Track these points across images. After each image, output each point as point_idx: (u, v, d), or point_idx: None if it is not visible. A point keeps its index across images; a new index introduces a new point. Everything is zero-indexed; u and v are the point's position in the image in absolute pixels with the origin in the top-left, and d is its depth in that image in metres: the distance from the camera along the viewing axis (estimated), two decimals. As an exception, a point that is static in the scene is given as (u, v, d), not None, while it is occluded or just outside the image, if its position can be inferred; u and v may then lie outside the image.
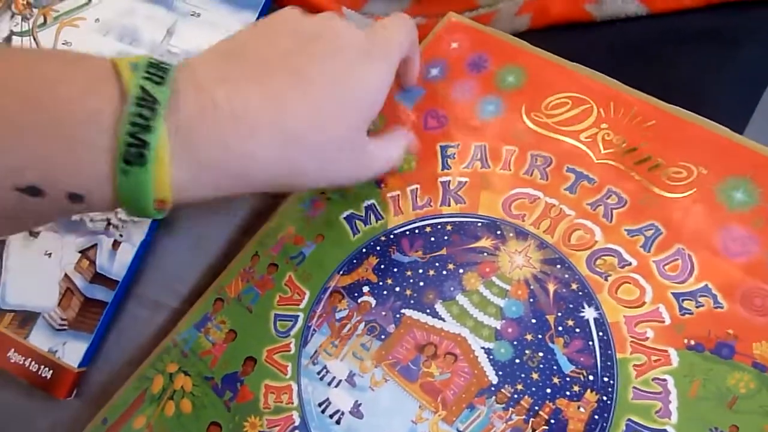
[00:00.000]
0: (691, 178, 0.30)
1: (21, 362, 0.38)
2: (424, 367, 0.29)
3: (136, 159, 0.21)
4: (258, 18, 0.41)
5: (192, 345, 0.35)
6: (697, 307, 0.28)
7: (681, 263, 0.28)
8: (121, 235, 0.39)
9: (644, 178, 0.31)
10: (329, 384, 0.30)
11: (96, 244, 0.39)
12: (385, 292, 0.32)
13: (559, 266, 0.30)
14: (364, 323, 0.31)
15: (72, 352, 0.38)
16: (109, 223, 0.39)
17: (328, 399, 0.30)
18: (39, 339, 0.38)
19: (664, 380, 0.27)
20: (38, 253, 0.40)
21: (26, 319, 0.39)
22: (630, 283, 0.29)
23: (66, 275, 0.39)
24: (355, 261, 0.33)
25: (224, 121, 0.24)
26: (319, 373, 0.31)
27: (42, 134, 0.20)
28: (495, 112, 0.34)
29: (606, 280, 0.29)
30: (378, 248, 0.33)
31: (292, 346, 0.32)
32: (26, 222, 0.24)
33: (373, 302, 0.32)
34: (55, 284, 0.39)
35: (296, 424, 0.30)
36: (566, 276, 0.30)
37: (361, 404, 0.30)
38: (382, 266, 0.32)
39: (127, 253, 0.38)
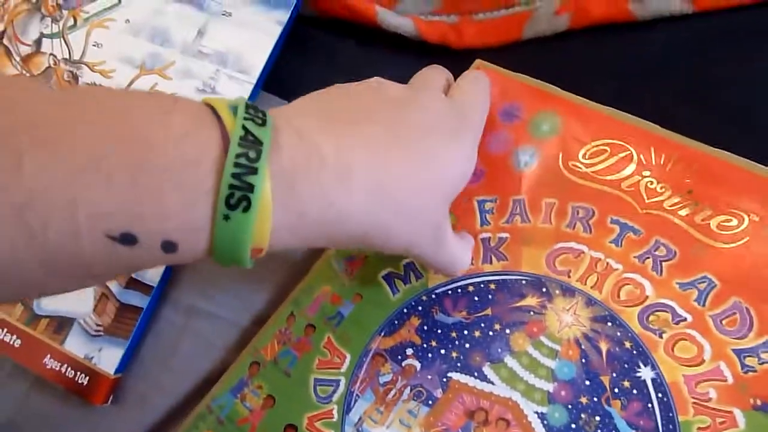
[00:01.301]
0: (742, 226, 0.29)
1: (57, 368, 0.38)
2: (475, 434, 0.28)
3: (239, 203, 0.20)
4: (290, 18, 0.41)
5: (228, 412, 0.34)
6: (760, 363, 0.26)
7: (739, 317, 0.27)
8: None
9: (693, 228, 0.30)
10: (376, 454, 0.29)
11: None
12: (430, 355, 0.31)
13: (610, 324, 0.29)
14: (409, 388, 0.30)
15: (108, 358, 0.38)
16: None
17: (375, 470, 0.29)
18: (75, 345, 0.38)
19: (732, 444, 0.25)
20: None
21: (61, 324, 0.39)
22: (686, 339, 0.28)
23: None
24: (396, 322, 0.32)
25: (329, 176, 0.22)
26: (364, 441, 0.30)
27: (140, 178, 0.19)
28: (531, 163, 0.34)
29: (660, 337, 0.28)
30: (420, 308, 0.32)
31: (335, 412, 0.31)
32: (114, 275, 0.23)
33: (418, 366, 0.31)
34: (89, 290, 0.39)
35: (344, 497, 0.29)
36: (618, 334, 0.29)
37: (410, 475, 0.28)
38: (425, 327, 0.31)
39: None
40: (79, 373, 0.38)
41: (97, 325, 0.38)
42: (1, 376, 0.41)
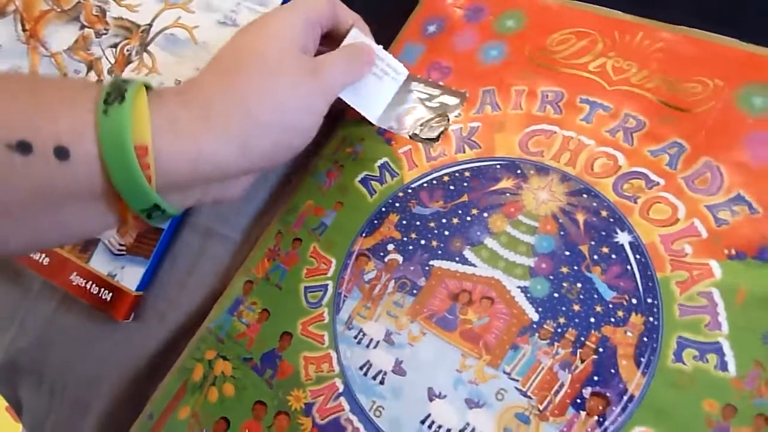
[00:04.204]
0: (707, 92, 0.29)
1: (83, 284, 0.40)
2: (460, 314, 0.29)
3: (115, 99, 0.23)
4: None
5: (227, 330, 0.34)
6: (732, 216, 0.27)
7: (710, 175, 0.28)
8: None
9: (660, 98, 0.30)
10: (367, 346, 0.30)
11: None
12: (410, 247, 0.31)
13: (585, 196, 0.29)
14: (394, 281, 0.31)
15: (130, 276, 0.39)
16: None
17: (368, 361, 0.30)
18: (99, 263, 0.40)
19: (709, 293, 0.26)
20: None
21: (87, 244, 0.40)
22: (661, 202, 0.28)
23: None
24: (375, 221, 0.33)
25: (188, 95, 0.26)
26: (356, 337, 0.30)
27: (34, 96, 0.22)
28: (499, 57, 0.34)
29: (635, 202, 0.28)
30: (397, 205, 0.32)
31: (326, 314, 0.32)
32: (17, 207, 0.24)
33: (400, 259, 0.31)
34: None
35: (340, 390, 0.30)
36: (594, 204, 0.29)
37: (402, 361, 0.29)
38: (404, 222, 0.32)
39: None
40: (102, 289, 0.39)
41: (120, 244, 0.40)
42: (31, 296, 0.43)
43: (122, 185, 0.23)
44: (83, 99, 0.23)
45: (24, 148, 0.22)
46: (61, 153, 0.22)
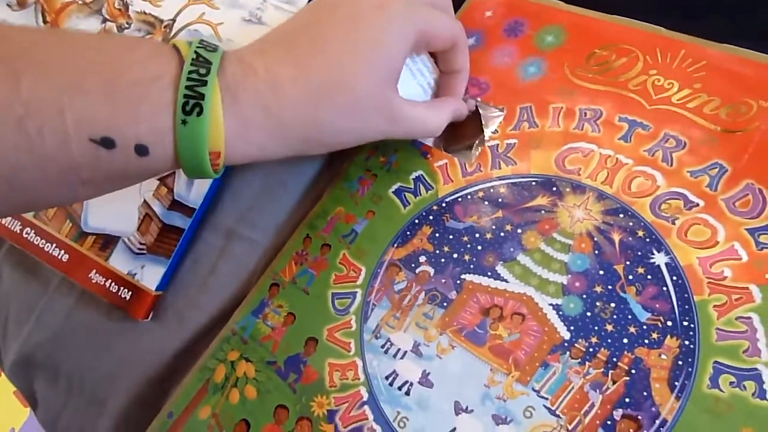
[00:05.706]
0: (751, 113, 0.29)
1: (102, 283, 0.39)
2: (491, 329, 0.29)
3: (194, 109, 0.24)
4: None
5: (251, 332, 0.34)
6: (775, 240, 0.26)
7: (752, 198, 0.27)
8: None
9: (702, 118, 0.30)
10: (395, 356, 0.30)
11: (174, 172, 0.39)
12: (442, 260, 0.31)
13: (621, 215, 0.29)
14: (424, 293, 0.31)
15: (150, 275, 0.38)
16: None
17: (394, 371, 0.30)
18: (119, 261, 0.39)
19: (749, 318, 0.25)
20: None
21: (107, 242, 0.40)
22: (700, 224, 0.28)
23: (145, 201, 0.40)
24: (408, 233, 0.33)
25: (262, 87, 0.27)
26: (383, 346, 0.30)
27: (115, 92, 0.24)
28: (537, 73, 0.34)
29: (673, 223, 0.28)
30: (431, 218, 0.32)
31: (353, 322, 0.32)
32: (101, 183, 0.26)
33: (432, 271, 0.31)
34: (134, 210, 0.40)
35: (364, 399, 0.29)
36: (631, 224, 0.29)
37: (429, 373, 0.29)
38: (437, 235, 0.32)
39: (203, 182, 0.39)
40: (122, 288, 0.39)
41: (141, 243, 0.39)
42: (49, 291, 0.42)
43: (191, 173, 0.26)
44: (161, 100, 0.24)
45: (107, 143, 0.24)
46: (142, 150, 0.25)
